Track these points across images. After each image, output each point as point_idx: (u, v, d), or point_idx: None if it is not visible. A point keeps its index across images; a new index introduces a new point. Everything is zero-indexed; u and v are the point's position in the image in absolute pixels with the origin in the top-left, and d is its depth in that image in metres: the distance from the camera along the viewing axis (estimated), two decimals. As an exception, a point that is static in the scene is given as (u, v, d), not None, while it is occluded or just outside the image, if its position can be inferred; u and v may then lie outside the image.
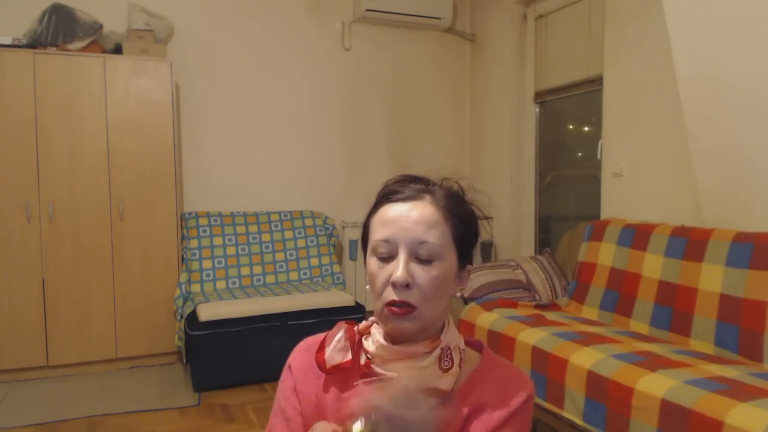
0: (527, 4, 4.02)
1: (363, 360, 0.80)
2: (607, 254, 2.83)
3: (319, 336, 0.87)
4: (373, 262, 0.79)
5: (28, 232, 3.13)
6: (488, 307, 2.80)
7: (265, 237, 3.75)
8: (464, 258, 0.83)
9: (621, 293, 2.69)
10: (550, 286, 3.11)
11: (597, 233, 2.95)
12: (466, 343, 0.86)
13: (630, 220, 2.89)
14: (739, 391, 1.67)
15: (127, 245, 3.33)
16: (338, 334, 0.83)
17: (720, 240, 2.32)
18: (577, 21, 3.64)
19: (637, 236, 2.71)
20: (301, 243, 3.84)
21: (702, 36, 2.28)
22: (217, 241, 3.62)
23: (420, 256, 0.76)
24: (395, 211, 0.79)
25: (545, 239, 4.07)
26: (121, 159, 3.29)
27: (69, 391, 3.03)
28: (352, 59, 4.23)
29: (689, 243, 2.44)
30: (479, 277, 3.05)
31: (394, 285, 0.75)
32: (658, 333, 2.44)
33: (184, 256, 3.52)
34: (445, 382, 0.77)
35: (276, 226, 3.82)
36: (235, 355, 3.06)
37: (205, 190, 3.85)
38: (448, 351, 0.79)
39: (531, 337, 2.40)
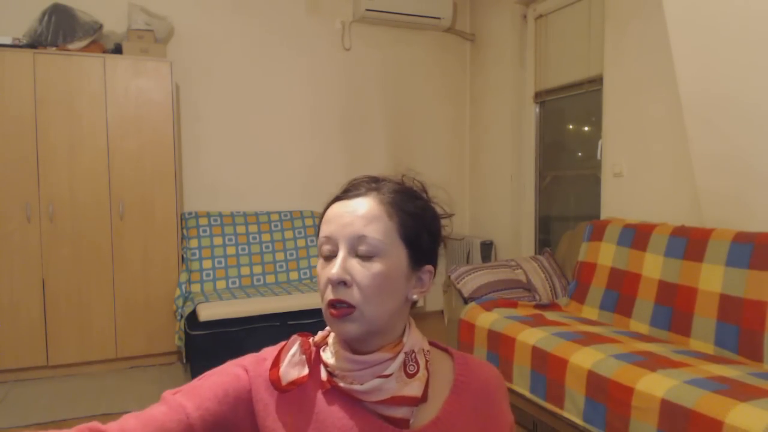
0: (527, 4, 4.02)
1: (324, 375, 0.75)
2: (607, 254, 2.84)
3: (274, 349, 0.79)
4: (318, 264, 0.76)
5: (28, 232, 3.13)
6: (488, 307, 2.80)
7: (265, 237, 3.75)
8: (419, 258, 0.77)
9: (621, 293, 2.69)
10: (550, 286, 3.11)
11: (597, 233, 2.95)
12: (430, 344, 0.82)
13: (630, 220, 2.89)
14: (739, 391, 1.67)
15: (127, 245, 3.33)
16: (293, 348, 0.76)
17: (720, 240, 2.32)
18: (577, 21, 3.64)
19: (637, 236, 2.71)
20: (301, 243, 3.84)
21: (702, 36, 2.28)
22: (217, 241, 3.62)
23: (359, 252, 0.72)
24: (338, 208, 0.76)
25: (545, 239, 4.07)
26: (121, 159, 3.29)
27: (69, 391, 3.03)
28: (352, 59, 4.24)
29: (689, 243, 2.44)
30: (479, 277, 3.05)
31: (331, 284, 0.71)
32: (658, 333, 2.44)
33: (184, 256, 3.52)
34: (414, 388, 0.73)
35: (276, 225, 3.82)
36: (235, 355, 3.02)
37: (205, 190, 3.85)
38: (413, 355, 0.75)
39: (531, 337, 2.40)
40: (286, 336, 0.82)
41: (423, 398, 0.74)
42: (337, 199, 0.77)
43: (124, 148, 3.29)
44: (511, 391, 2.47)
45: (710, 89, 2.32)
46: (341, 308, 0.70)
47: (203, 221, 3.65)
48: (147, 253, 3.38)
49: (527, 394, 2.37)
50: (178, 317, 3.30)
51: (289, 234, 3.82)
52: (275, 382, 0.73)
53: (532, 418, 2.47)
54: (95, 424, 0.63)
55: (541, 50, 4.00)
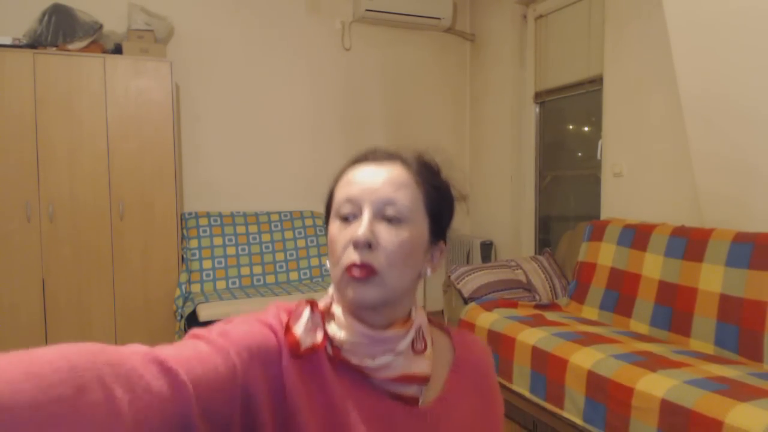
0: (527, 4, 4.02)
1: (329, 349, 0.69)
2: (607, 254, 2.84)
3: (283, 312, 0.72)
4: (334, 226, 0.72)
5: (28, 232, 3.13)
6: (488, 307, 2.80)
7: (265, 237, 3.75)
8: (437, 232, 0.76)
9: (621, 293, 2.69)
10: (550, 286, 3.11)
11: (597, 233, 2.95)
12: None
13: (630, 220, 2.89)
14: (739, 391, 1.68)
15: (127, 245, 3.33)
16: (305, 313, 0.70)
17: (720, 240, 2.32)
18: (577, 21, 3.64)
19: (637, 236, 2.71)
20: (301, 243, 3.84)
21: (702, 37, 2.29)
22: (217, 241, 3.62)
23: (387, 216, 0.69)
24: (362, 171, 0.72)
25: (545, 239, 4.07)
26: (121, 159, 3.29)
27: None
28: (352, 59, 4.23)
29: (689, 243, 2.44)
30: (479, 277, 3.05)
31: (356, 245, 0.67)
32: (658, 333, 2.44)
33: (184, 256, 3.52)
34: (423, 366, 0.71)
35: (276, 226, 3.82)
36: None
37: (205, 190, 3.85)
38: (420, 331, 0.73)
39: (531, 337, 2.40)
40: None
41: (429, 377, 0.72)
42: (358, 162, 0.75)
43: (124, 148, 3.29)
44: (511, 391, 2.48)
45: (710, 89, 2.32)
46: (364, 270, 0.67)
47: (203, 221, 3.65)
48: (147, 253, 3.38)
49: (527, 394, 2.38)
50: (178, 317, 3.30)
51: (289, 234, 3.82)
52: (294, 347, 0.67)
53: (532, 418, 2.47)
54: (144, 348, 0.55)
55: (541, 50, 4.00)
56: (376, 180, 0.71)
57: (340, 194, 0.72)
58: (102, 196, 3.26)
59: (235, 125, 3.92)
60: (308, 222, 3.92)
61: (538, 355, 2.32)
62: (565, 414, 2.17)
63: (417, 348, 0.72)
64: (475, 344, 0.84)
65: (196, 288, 3.47)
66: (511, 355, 2.47)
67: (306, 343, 0.67)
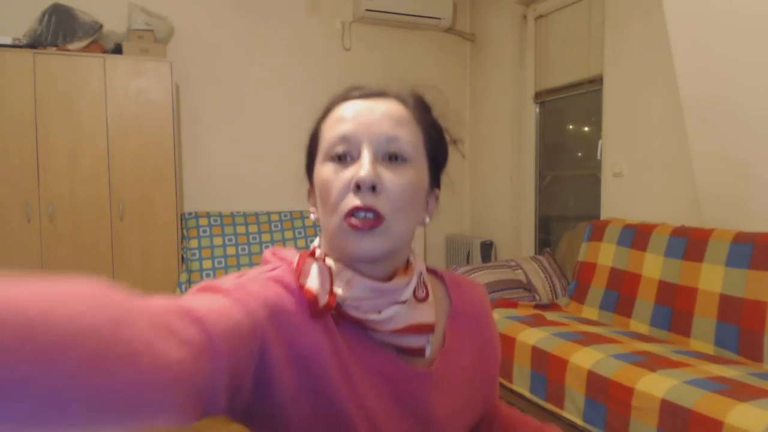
0: (527, 4, 4.02)
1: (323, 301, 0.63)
2: (607, 254, 2.84)
3: (288, 266, 0.66)
4: (326, 168, 0.64)
5: (28, 233, 3.12)
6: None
7: (266, 237, 3.75)
8: (434, 175, 0.70)
9: (621, 293, 2.69)
10: (550, 286, 3.11)
11: (597, 233, 2.95)
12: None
13: (630, 220, 2.89)
14: (739, 391, 1.68)
15: (127, 245, 3.33)
16: (314, 268, 0.64)
17: (720, 240, 2.32)
18: (577, 21, 3.65)
19: (637, 236, 2.71)
20: (301, 243, 3.84)
21: (702, 37, 2.29)
22: (217, 241, 3.62)
23: (391, 155, 0.63)
24: (355, 106, 0.65)
25: (545, 239, 4.08)
26: (121, 159, 3.29)
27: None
28: (352, 59, 4.23)
29: (689, 243, 2.44)
30: (479, 277, 3.05)
31: (359, 187, 0.60)
32: (658, 333, 2.44)
33: (184, 256, 3.52)
34: (426, 314, 0.66)
35: (276, 226, 3.82)
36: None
37: (205, 190, 3.85)
38: (421, 278, 0.68)
39: (531, 337, 2.40)
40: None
41: (434, 324, 0.68)
42: (343, 99, 0.68)
43: (124, 148, 3.29)
44: (511, 391, 2.48)
45: (710, 89, 2.32)
46: (368, 219, 0.60)
47: (203, 221, 3.65)
48: (147, 253, 3.38)
49: (527, 394, 2.38)
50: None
51: (289, 234, 3.82)
52: (313, 304, 0.61)
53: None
54: (172, 300, 0.49)
55: (541, 50, 4.00)
56: (373, 115, 0.64)
57: (331, 132, 0.65)
58: (102, 196, 3.26)
59: (235, 125, 3.92)
60: (308, 222, 3.92)
61: (538, 355, 2.32)
62: (566, 414, 2.17)
63: (419, 296, 0.67)
64: (473, 290, 0.80)
65: (196, 288, 3.46)
66: (512, 355, 2.47)
67: (323, 300, 0.62)
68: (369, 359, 0.64)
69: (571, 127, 3.93)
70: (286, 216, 3.89)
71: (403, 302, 0.64)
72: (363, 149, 0.62)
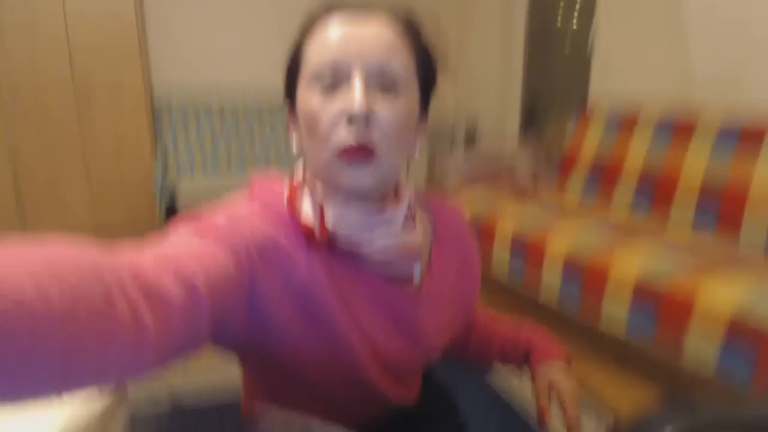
0: None
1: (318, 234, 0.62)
2: (592, 140, 2.79)
3: (277, 196, 0.65)
4: (312, 97, 0.59)
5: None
6: (470, 196, 2.79)
7: (245, 133, 3.59)
8: (424, 105, 0.67)
9: (603, 180, 2.68)
10: (533, 174, 3.09)
11: (583, 119, 2.88)
12: None
13: (618, 105, 2.81)
14: (713, 267, 1.71)
15: (96, 123, 3.17)
16: (306, 199, 0.63)
17: (708, 124, 2.28)
18: None
19: (624, 121, 2.65)
20: (282, 140, 3.71)
21: None
22: (192, 132, 3.47)
23: (383, 83, 0.59)
24: (342, 28, 0.59)
25: (531, 124, 3.99)
26: (81, 31, 3.03)
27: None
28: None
29: (676, 127, 2.40)
30: (461, 165, 3.00)
31: (351, 119, 0.57)
32: (638, 218, 2.46)
33: (159, 149, 3.39)
34: (416, 241, 0.67)
35: (257, 120, 3.64)
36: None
37: (175, 64, 3.57)
38: (409, 205, 0.68)
39: (511, 223, 2.40)
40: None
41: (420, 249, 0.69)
42: (326, 15, 0.61)
43: (83, 18, 3.02)
44: (490, 279, 2.53)
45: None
46: (362, 153, 0.57)
47: (176, 113, 3.46)
48: (118, 138, 3.24)
49: (505, 281, 2.43)
50: (158, 211, 3.25)
51: (268, 130, 3.66)
52: (309, 236, 0.61)
53: (509, 301, 2.54)
54: (154, 254, 0.47)
55: None
56: (363, 39, 0.59)
57: (318, 56, 0.59)
58: (64, 71, 3.05)
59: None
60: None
61: (518, 240, 2.34)
62: (542, 292, 2.23)
63: (407, 223, 0.67)
64: (454, 212, 0.80)
65: (173, 170, 3.37)
66: (491, 241, 2.49)
67: (317, 231, 0.61)
68: (362, 286, 0.65)
69: (561, 4, 3.71)
70: (268, 109, 3.69)
71: (393, 230, 0.64)
72: (354, 77, 0.58)
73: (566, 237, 2.16)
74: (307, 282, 0.60)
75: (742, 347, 1.52)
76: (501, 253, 2.43)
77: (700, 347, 1.62)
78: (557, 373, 0.74)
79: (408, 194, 0.68)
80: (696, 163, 2.28)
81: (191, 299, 0.46)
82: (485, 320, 0.89)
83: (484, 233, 2.53)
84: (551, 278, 2.16)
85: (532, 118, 3.97)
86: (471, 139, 4.05)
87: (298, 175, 0.68)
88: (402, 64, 0.60)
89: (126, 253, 0.45)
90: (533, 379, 0.76)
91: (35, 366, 0.32)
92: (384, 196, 0.65)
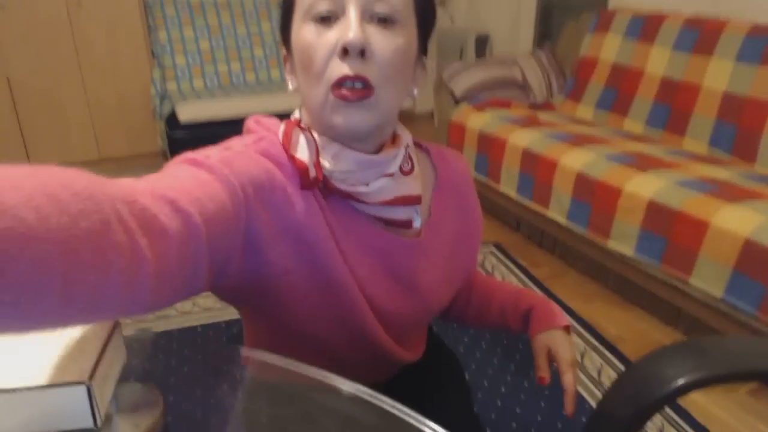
0: None
1: (313, 173, 0.60)
2: (610, 48, 2.64)
3: (271, 137, 0.62)
4: (307, 30, 0.57)
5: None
6: (480, 107, 2.69)
7: (241, 29, 3.43)
8: (423, 42, 0.64)
9: (620, 90, 2.56)
10: (546, 84, 2.96)
11: (603, 24, 2.71)
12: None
13: (640, 9, 2.63)
14: (729, 193, 1.66)
15: (90, 37, 3.05)
16: (301, 137, 0.60)
17: (734, 33, 2.14)
18: None
19: (645, 27, 2.49)
20: (280, 37, 3.55)
21: None
22: (188, 32, 3.31)
23: (380, 15, 0.56)
24: None
25: (546, 32, 3.78)
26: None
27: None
28: None
29: (701, 35, 2.25)
30: (472, 75, 2.87)
31: (346, 51, 0.54)
32: (653, 132, 2.38)
33: (154, 50, 3.26)
34: (413, 187, 0.65)
35: (251, 16, 3.47)
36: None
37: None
38: (407, 151, 0.66)
39: (522, 138, 2.33)
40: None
41: (421, 196, 0.67)
42: None
43: None
44: (498, 192, 2.49)
45: None
46: (357, 89, 0.55)
47: (170, 10, 3.28)
48: (113, 45, 3.11)
49: (513, 194, 2.39)
50: (158, 117, 3.18)
51: (266, 26, 3.50)
52: (304, 177, 0.59)
53: (516, 216, 2.52)
54: (149, 183, 0.46)
55: None
56: None
57: None
58: None
59: None
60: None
61: (528, 157, 2.28)
62: (550, 213, 2.20)
63: (405, 169, 0.65)
64: (457, 161, 0.77)
65: (172, 86, 3.27)
66: (501, 157, 2.43)
67: (312, 171, 0.59)
68: (357, 230, 0.63)
69: None
70: (261, 4, 3.51)
71: (391, 175, 0.62)
72: (349, 8, 0.55)
73: (579, 156, 2.10)
74: (303, 223, 0.59)
75: (754, 273, 1.50)
76: (511, 168, 2.38)
77: (710, 272, 1.61)
78: (556, 341, 0.74)
79: (406, 140, 0.66)
80: (719, 74, 2.16)
81: (188, 230, 0.45)
82: (485, 283, 0.87)
83: (495, 147, 2.47)
84: (561, 195, 2.13)
85: (548, 28, 3.75)
86: (482, 49, 3.86)
87: (295, 114, 0.66)
88: None
89: (123, 182, 0.43)
90: (533, 346, 0.76)
91: (36, 294, 0.31)
92: (381, 143, 0.63)
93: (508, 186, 2.42)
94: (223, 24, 3.40)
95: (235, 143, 0.60)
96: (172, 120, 2.98)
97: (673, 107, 2.31)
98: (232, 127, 2.88)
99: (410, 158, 0.66)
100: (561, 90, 2.93)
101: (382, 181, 0.61)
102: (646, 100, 2.43)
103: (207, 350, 0.79)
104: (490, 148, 2.50)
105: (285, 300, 0.61)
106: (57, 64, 3.03)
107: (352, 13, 0.55)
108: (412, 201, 0.65)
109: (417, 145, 0.74)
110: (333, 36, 0.55)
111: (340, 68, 0.55)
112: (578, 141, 2.19)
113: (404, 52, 0.58)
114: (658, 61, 2.40)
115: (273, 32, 3.51)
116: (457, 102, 2.86)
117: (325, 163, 0.60)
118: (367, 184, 0.61)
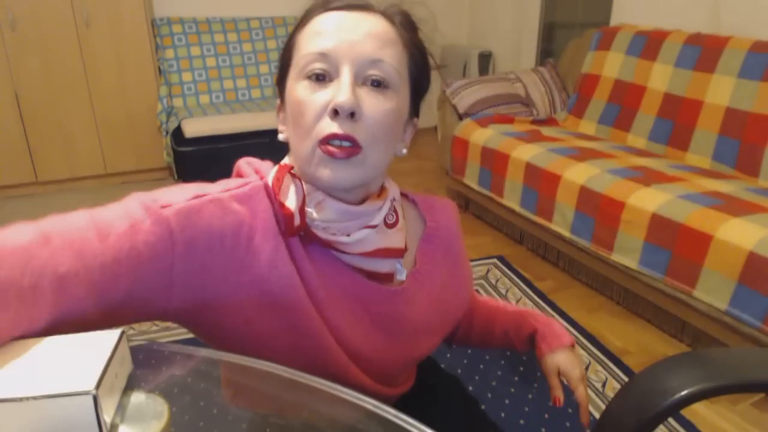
0: None
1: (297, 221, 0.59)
2: (613, 64, 2.66)
3: (256, 182, 0.63)
4: (300, 87, 0.58)
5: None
6: (483, 123, 2.71)
7: (247, 47, 3.48)
8: (415, 104, 0.65)
9: (623, 106, 2.58)
10: (549, 100, 2.98)
11: (605, 41, 2.73)
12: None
13: (642, 27, 2.65)
14: (733, 207, 1.67)
15: (99, 56, 3.09)
16: (291, 185, 0.60)
17: (736, 49, 2.16)
18: None
19: (648, 44, 2.51)
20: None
21: None
22: (195, 51, 3.36)
23: (373, 79, 0.57)
24: (335, 19, 0.58)
25: (549, 49, 3.82)
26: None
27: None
28: None
29: (703, 52, 2.27)
30: (475, 91, 2.89)
31: (336, 112, 0.55)
32: (656, 147, 2.39)
33: (162, 68, 3.30)
34: (396, 240, 0.65)
35: (257, 34, 3.52)
36: (226, 171, 3.02)
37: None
38: (393, 204, 0.66)
39: (525, 153, 2.34)
40: (277, 152, 0.70)
41: (405, 249, 0.67)
42: (322, 9, 0.61)
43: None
44: (501, 206, 2.50)
45: None
46: (344, 147, 0.56)
47: (177, 28, 3.33)
48: (121, 64, 3.15)
49: (517, 208, 2.39)
50: (164, 133, 3.20)
51: (272, 44, 3.54)
52: (289, 224, 0.58)
53: (519, 230, 2.52)
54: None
55: None
56: (356, 32, 0.57)
57: (308, 46, 0.58)
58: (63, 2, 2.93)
59: None
60: (291, 29, 3.62)
61: (532, 171, 2.29)
62: (553, 227, 2.20)
63: (389, 221, 0.65)
64: (445, 209, 0.77)
65: (178, 102, 3.31)
66: (504, 171, 2.44)
67: (297, 219, 0.58)
68: (337, 280, 0.63)
69: None
70: (267, 23, 3.56)
71: (374, 226, 0.62)
72: (343, 70, 0.57)
73: (582, 170, 2.11)
74: (268, 272, 0.58)
75: (758, 285, 1.50)
76: (514, 182, 2.39)
77: (714, 285, 1.61)
78: (565, 360, 0.77)
79: (393, 193, 0.67)
80: (721, 90, 2.17)
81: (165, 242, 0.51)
82: (486, 307, 0.88)
83: (498, 161, 2.48)
84: (565, 208, 2.13)
85: (550, 45, 3.78)
86: (485, 65, 3.89)
87: (287, 159, 0.66)
88: (394, 61, 0.58)
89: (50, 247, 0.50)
90: (543, 369, 0.78)
91: None
92: (367, 195, 0.63)
93: (511, 199, 2.42)
94: (229, 41, 3.44)
95: (215, 187, 0.60)
96: (178, 135, 3.01)
97: (676, 122, 2.32)
98: (236, 142, 2.92)
99: (395, 211, 0.67)
100: (564, 106, 2.95)
101: (364, 232, 0.61)
102: (649, 116, 2.44)
103: (212, 360, 0.79)
104: (493, 163, 2.51)
105: (250, 344, 0.60)
106: (65, 81, 3.07)
107: (345, 77, 0.56)
108: (395, 254, 0.65)
109: (404, 196, 0.74)
110: (325, 96, 0.56)
111: (330, 126, 0.56)
112: (581, 155, 2.20)
113: (395, 116, 0.59)
114: (661, 78, 2.42)
115: (278, 50, 3.55)
116: (460, 117, 2.88)
117: (309, 210, 0.60)
118: (349, 235, 0.61)
